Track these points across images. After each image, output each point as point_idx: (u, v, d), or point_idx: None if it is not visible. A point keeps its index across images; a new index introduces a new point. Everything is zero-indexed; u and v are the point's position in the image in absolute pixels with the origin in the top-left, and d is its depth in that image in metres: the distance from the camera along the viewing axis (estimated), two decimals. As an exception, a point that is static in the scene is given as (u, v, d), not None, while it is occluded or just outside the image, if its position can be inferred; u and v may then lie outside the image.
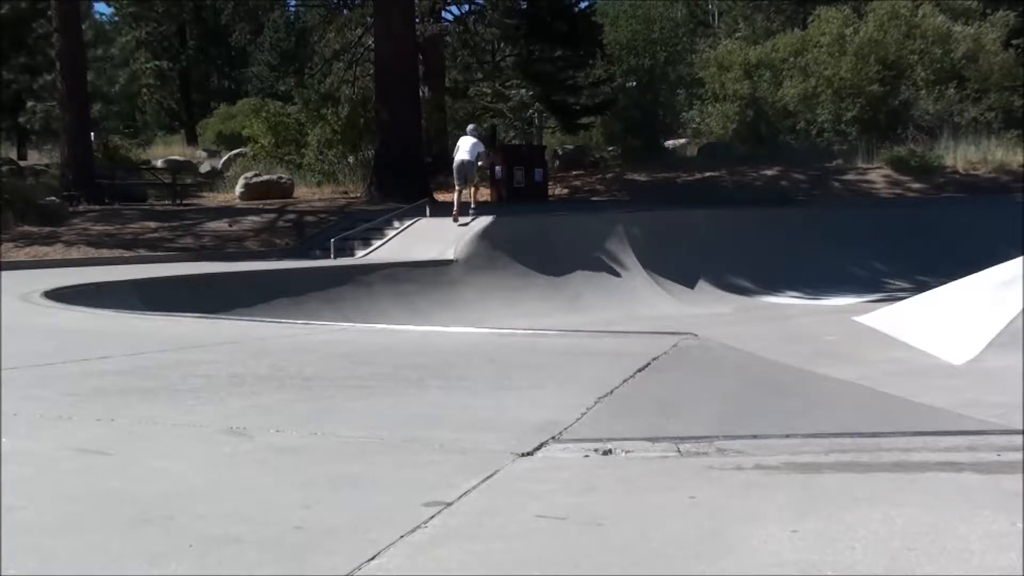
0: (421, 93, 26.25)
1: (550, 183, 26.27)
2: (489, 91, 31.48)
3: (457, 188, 17.80)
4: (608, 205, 25.05)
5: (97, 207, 21.74)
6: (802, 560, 1.92)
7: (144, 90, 45.16)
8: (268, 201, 23.62)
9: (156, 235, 18.88)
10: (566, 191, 27.52)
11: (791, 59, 32.23)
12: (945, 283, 11.82)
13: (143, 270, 14.19)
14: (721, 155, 29.69)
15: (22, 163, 29.59)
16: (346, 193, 25.64)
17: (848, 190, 26.24)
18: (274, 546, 2.11)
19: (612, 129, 33.70)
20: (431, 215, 18.98)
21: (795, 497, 2.40)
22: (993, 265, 10.90)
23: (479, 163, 18.65)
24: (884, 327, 11.41)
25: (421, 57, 26.87)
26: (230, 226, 19.64)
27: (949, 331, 10.02)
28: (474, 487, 2.52)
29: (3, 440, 3.18)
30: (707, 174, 27.96)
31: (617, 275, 16.92)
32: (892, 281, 18.20)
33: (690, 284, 17.28)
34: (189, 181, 28.25)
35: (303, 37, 36.64)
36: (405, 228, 18.26)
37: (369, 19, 27.33)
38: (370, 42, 27.35)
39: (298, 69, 34.24)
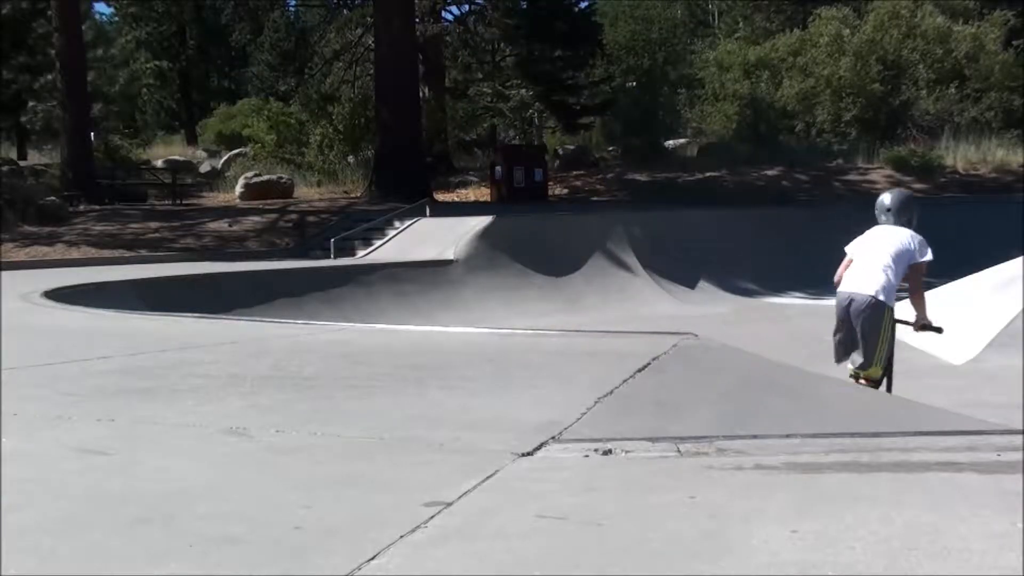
0: (421, 93, 26.26)
1: (550, 183, 26.28)
2: (489, 91, 31.49)
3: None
4: (608, 205, 25.04)
5: (97, 207, 21.74)
6: (802, 560, 1.92)
7: (144, 90, 45.16)
8: (268, 201, 23.62)
9: (157, 235, 18.89)
10: (566, 191, 27.52)
11: (790, 59, 32.22)
12: (945, 283, 11.80)
13: (144, 270, 14.19)
14: (721, 155, 29.67)
15: (22, 163, 29.58)
16: (347, 193, 25.63)
17: (850, 190, 26.23)
18: (274, 546, 2.11)
19: (612, 129, 33.71)
20: (431, 215, 18.99)
21: (795, 497, 2.40)
22: (993, 265, 10.89)
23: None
24: (884, 327, 11.37)
25: (421, 57, 26.87)
26: (230, 226, 19.65)
27: (949, 331, 10.00)
28: (474, 487, 2.52)
29: (3, 440, 3.18)
30: (707, 174, 27.93)
31: (617, 275, 16.91)
32: (893, 281, 18.17)
33: (690, 284, 17.27)
34: (189, 181, 28.25)
35: (303, 37, 36.64)
36: (405, 228, 18.28)
37: (369, 19, 27.33)
38: (370, 42, 27.35)
39: (298, 69, 34.23)
